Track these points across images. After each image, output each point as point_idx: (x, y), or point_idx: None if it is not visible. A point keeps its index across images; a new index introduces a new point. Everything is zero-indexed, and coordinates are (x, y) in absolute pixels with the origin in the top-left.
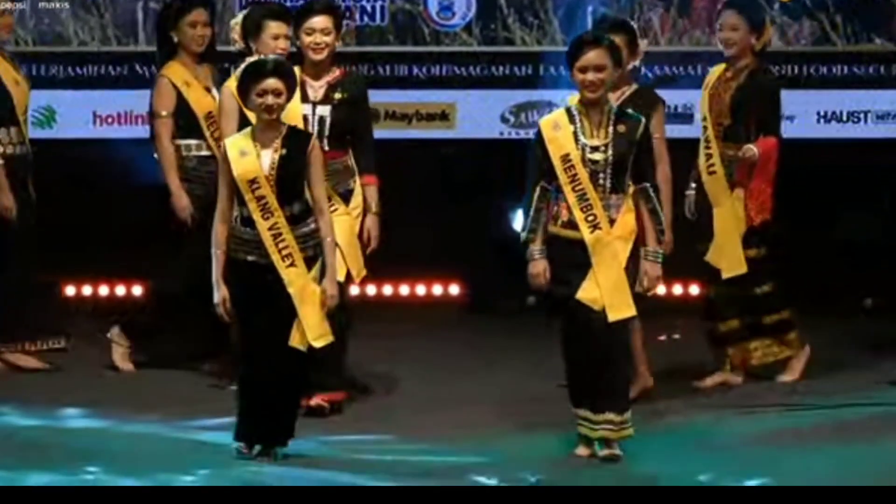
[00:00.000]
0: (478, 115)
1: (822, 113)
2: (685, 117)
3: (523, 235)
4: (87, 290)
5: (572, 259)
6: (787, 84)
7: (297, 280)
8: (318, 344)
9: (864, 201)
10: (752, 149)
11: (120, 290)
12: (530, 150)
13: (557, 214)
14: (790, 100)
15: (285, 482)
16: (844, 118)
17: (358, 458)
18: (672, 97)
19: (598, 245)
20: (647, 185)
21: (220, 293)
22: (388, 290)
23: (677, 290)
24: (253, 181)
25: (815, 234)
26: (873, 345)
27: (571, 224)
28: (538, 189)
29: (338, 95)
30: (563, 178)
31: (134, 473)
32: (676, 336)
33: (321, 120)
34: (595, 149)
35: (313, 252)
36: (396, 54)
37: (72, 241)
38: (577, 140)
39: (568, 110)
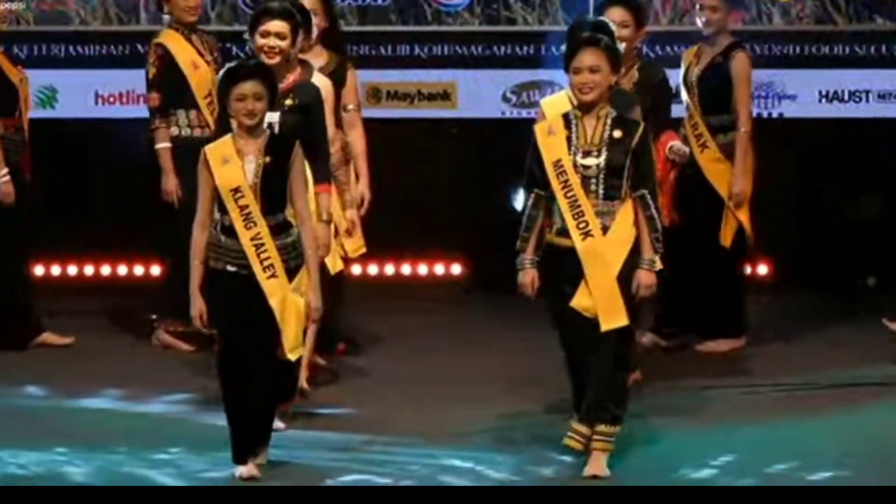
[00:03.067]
0: (479, 94)
1: (823, 92)
2: None
3: (517, 244)
4: (88, 270)
5: (566, 267)
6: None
7: (279, 292)
8: (292, 356)
9: (866, 180)
10: (683, 148)
11: (122, 271)
12: (528, 155)
13: (552, 222)
14: (792, 79)
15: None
16: (846, 97)
17: (354, 439)
18: (675, 77)
19: (590, 253)
20: (646, 191)
21: (196, 305)
22: (389, 269)
23: None
24: (236, 190)
25: (816, 212)
26: (877, 323)
27: (566, 232)
28: (532, 196)
29: (288, 102)
30: (555, 185)
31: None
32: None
33: (269, 126)
34: (587, 154)
35: (295, 263)
36: (398, 34)
37: (77, 220)
38: (570, 146)
39: (565, 115)
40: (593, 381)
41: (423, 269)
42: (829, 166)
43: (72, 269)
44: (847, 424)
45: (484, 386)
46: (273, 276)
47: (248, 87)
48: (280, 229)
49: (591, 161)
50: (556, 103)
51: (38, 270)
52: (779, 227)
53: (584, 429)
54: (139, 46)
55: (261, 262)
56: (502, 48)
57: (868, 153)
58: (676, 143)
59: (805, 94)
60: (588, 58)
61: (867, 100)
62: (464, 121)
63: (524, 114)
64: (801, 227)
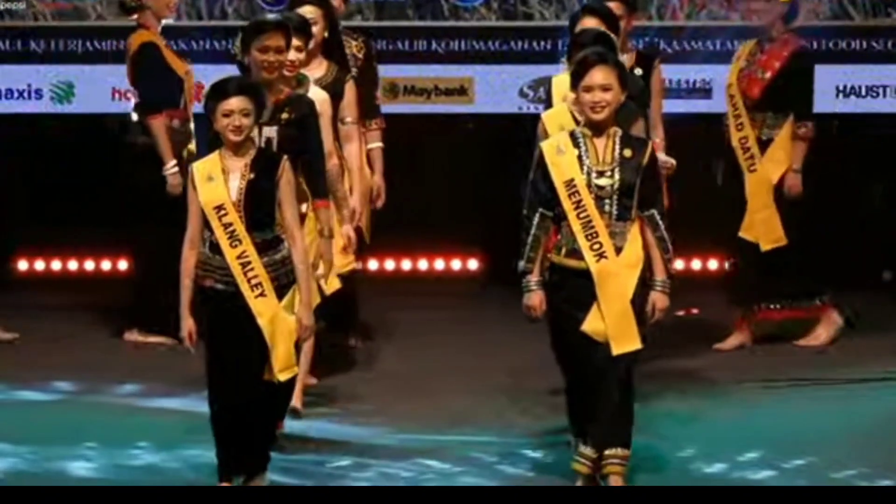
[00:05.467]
0: (496, 89)
1: (840, 87)
2: (703, 92)
3: (521, 265)
4: (106, 265)
5: (576, 290)
6: None
7: (267, 311)
8: (282, 377)
9: (883, 175)
10: (670, 160)
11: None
12: (532, 173)
13: (559, 243)
14: None
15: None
16: (862, 93)
17: (360, 437)
18: (690, 72)
19: (604, 275)
20: (654, 211)
21: (186, 325)
22: (406, 264)
23: (696, 265)
24: (219, 207)
25: (833, 206)
26: (892, 318)
27: (576, 253)
28: (537, 216)
29: (284, 115)
30: (566, 205)
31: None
32: (695, 311)
33: (268, 141)
34: (601, 174)
35: (286, 280)
36: (415, 29)
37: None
38: (581, 165)
39: (572, 134)
40: (604, 406)
41: (439, 265)
42: (846, 161)
43: (89, 265)
44: (864, 419)
45: (496, 383)
46: (261, 294)
47: (235, 102)
48: (268, 246)
49: (604, 181)
50: (556, 116)
51: (55, 266)
52: (794, 221)
53: (591, 453)
54: None
55: (248, 280)
56: (519, 43)
57: (884, 148)
58: (661, 156)
59: (822, 89)
60: (599, 76)
61: (884, 95)
62: (481, 116)
63: (542, 109)
64: (817, 221)
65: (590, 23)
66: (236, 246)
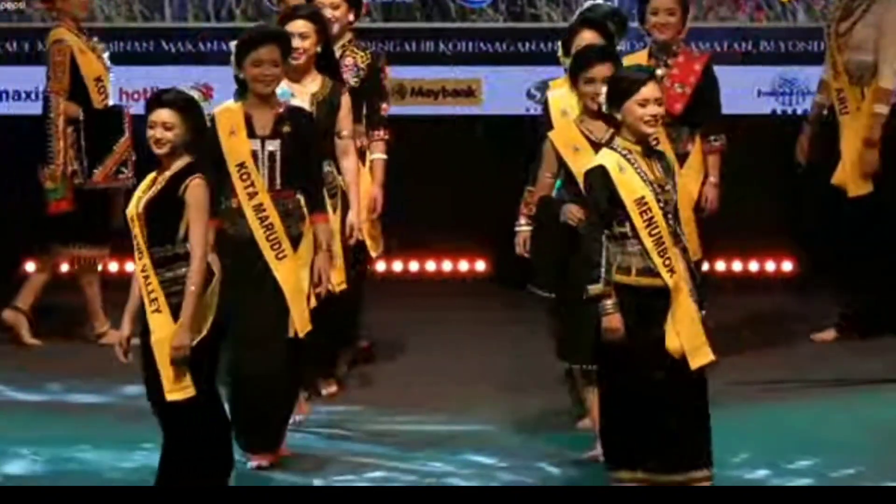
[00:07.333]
0: (504, 91)
1: None
2: None
3: (599, 288)
4: (113, 267)
5: (651, 308)
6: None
7: (159, 329)
8: (170, 397)
9: (892, 176)
10: None
11: None
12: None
13: (625, 262)
14: (815, 75)
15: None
16: None
17: (366, 430)
18: None
19: (676, 290)
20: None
21: (120, 331)
22: (413, 266)
23: (704, 267)
24: (131, 219)
25: (841, 208)
26: None
27: (649, 271)
28: (604, 238)
29: (286, 129)
30: (638, 223)
31: None
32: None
33: (271, 155)
34: (662, 188)
35: (178, 300)
36: (423, 30)
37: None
38: (645, 181)
39: (615, 150)
40: (693, 426)
41: (447, 266)
42: None
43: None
44: (875, 420)
45: (505, 385)
46: (156, 311)
47: (160, 114)
48: (166, 262)
49: (667, 196)
50: (565, 134)
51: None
52: (803, 223)
53: (662, 477)
54: (163, 43)
55: (147, 294)
56: (527, 45)
57: (894, 149)
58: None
59: None
60: (654, 90)
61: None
62: (488, 117)
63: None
64: (826, 223)
65: (588, 36)
66: (140, 259)
